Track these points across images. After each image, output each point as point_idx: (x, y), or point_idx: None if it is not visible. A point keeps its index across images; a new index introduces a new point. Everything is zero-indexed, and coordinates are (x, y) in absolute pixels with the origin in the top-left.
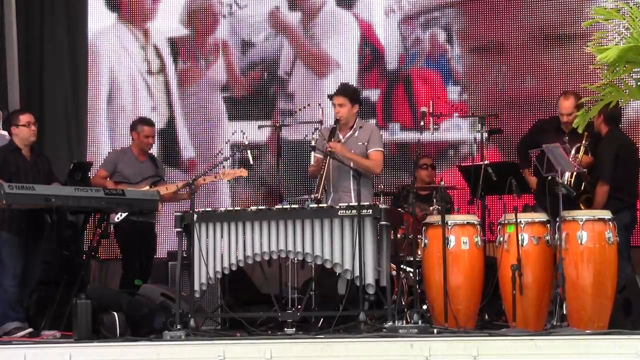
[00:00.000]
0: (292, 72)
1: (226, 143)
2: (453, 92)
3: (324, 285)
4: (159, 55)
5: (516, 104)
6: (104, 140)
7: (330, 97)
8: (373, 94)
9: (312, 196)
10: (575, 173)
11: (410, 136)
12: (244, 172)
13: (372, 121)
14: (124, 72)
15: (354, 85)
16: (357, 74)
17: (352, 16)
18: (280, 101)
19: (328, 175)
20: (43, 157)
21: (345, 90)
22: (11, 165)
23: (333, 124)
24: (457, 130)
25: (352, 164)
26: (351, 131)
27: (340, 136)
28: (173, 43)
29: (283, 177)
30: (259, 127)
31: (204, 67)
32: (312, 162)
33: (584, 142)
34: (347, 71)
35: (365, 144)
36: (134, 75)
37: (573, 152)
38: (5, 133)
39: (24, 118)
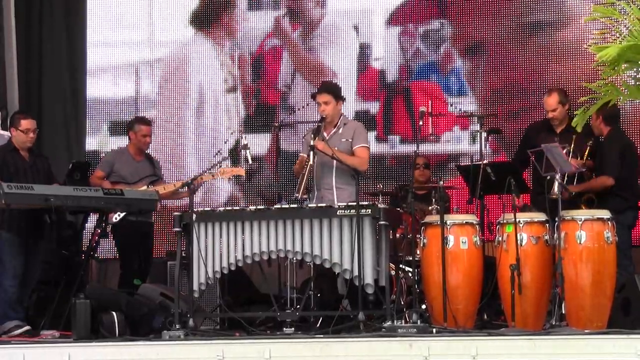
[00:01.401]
0: (291, 85)
1: (225, 143)
2: (454, 104)
3: (321, 287)
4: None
5: (519, 102)
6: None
7: (314, 96)
8: (373, 106)
9: (294, 196)
10: (566, 175)
11: (411, 148)
12: (241, 171)
13: (372, 133)
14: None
15: (335, 82)
16: (357, 85)
17: (352, 28)
18: (280, 113)
19: (311, 174)
20: (42, 157)
21: (328, 88)
22: (10, 165)
23: (318, 122)
24: (458, 142)
25: (334, 162)
26: (335, 128)
27: (325, 134)
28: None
29: (282, 179)
30: (258, 127)
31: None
32: (310, 161)
33: (573, 145)
34: (347, 83)
35: (350, 140)
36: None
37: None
38: (4, 133)
39: (25, 124)
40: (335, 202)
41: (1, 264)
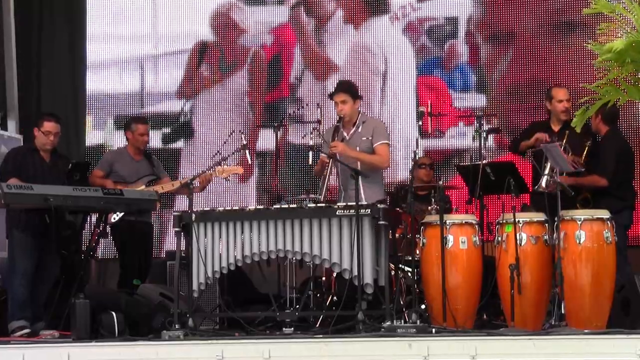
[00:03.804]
0: (301, 79)
1: (224, 143)
2: (458, 100)
3: (340, 287)
4: None
5: (532, 99)
6: None
7: (331, 96)
8: None
9: (314, 197)
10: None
11: (411, 144)
12: (240, 169)
13: None
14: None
15: (351, 81)
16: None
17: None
18: (288, 107)
19: (338, 175)
20: (64, 158)
21: (345, 87)
22: (29, 165)
23: (336, 122)
24: (462, 137)
25: (358, 163)
26: (355, 128)
27: (345, 134)
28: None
29: (284, 178)
30: (256, 126)
31: (227, 73)
32: (310, 161)
33: (564, 141)
34: (353, 77)
35: (370, 138)
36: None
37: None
38: (4, 133)
39: (47, 126)
40: (363, 201)
41: (12, 263)
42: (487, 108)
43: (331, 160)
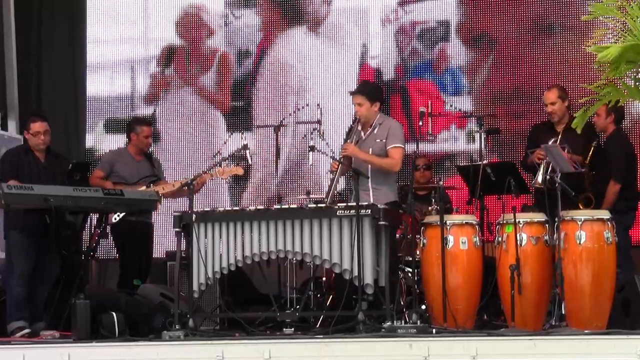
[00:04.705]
0: (293, 84)
1: (224, 144)
2: (451, 103)
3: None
4: None
5: (517, 102)
6: None
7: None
8: None
9: (324, 201)
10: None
11: (408, 147)
12: (239, 170)
13: None
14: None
15: (375, 83)
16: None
17: (355, 26)
18: (281, 112)
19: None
20: (60, 158)
21: (363, 89)
22: (24, 166)
23: (352, 122)
24: (454, 141)
25: (369, 166)
26: (371, 129)
27: (363, 135)
28: (170, 51)
29: (282, 179)
30: (257, 126)
31: (198, 76)
32: (310, 162)
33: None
34: (347, 80)
35: (384, 141)
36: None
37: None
38: (3, 133)
39: (35, 127)
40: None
41: (9, 264)
42: (478, 111)
43: (340, 165)
